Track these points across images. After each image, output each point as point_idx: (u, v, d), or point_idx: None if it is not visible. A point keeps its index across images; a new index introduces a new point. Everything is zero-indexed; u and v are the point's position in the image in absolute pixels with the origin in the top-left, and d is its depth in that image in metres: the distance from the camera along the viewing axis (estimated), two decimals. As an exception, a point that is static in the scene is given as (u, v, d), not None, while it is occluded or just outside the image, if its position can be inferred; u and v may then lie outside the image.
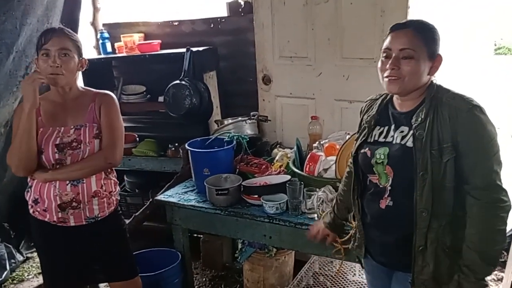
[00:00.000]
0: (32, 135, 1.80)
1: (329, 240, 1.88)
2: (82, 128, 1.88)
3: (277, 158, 2.58)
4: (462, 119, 1.33)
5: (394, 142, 1.45)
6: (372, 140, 1.53)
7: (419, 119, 1.38)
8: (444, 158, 1.34)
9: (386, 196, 1.47)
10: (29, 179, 1.93)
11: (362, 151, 1.54)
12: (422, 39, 1.37)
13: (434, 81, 1.45)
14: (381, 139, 1.50)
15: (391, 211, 1.47)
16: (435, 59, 1.41)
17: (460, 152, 1.34)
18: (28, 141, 1.79)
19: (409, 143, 1.40)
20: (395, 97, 1.51)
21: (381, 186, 1.49)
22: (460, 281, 1.39)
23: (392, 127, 1.49)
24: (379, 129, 1.53)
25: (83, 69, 1.94)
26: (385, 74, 1.40)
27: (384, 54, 1.42)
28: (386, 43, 1.42)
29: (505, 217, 1.35)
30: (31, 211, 1.94)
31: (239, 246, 2.85)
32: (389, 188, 1.46)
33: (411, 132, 1.40)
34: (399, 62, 1.37)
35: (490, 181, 1.34)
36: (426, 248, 1.41)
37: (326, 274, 2.81)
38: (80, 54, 1.88)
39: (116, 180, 2.04)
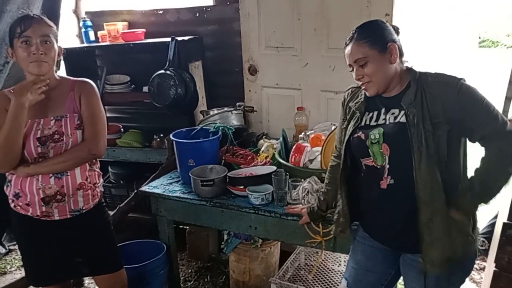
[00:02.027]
0: (22, 132, 1.75)
1: (300, 221, 1.98)
2: (62, 119, 1.83)
3: (263, 149, 2.57)
4: (454, 92, 1.42)
5: (387, 123, 1.53)
6: (363, 125, 1.60)
7: (409, 99, 1.48)
8: (437, 132, 1.43)
9: (386, 175, 1.53)
10: (7, 173, 1.87)
11: (356, 135, 1.60)
12: (365, 44, 1.49)
13: (410, 66, 1.55)
14: (373, 123, 1.57)
15: (394, 189, 1.53)
16: (388, 50, 1.49)
17: (463, 121, 1.43)
18: (18, 138, 1.74)
19: (402, 119, 1.48)
20: None
21: (378, 166, 1.54)
22: (456, 199, 1.47)
23: (383, 110, 1.56)
24: (368, 115, 1.60)
25: (60, 57, 1.89)
26: (359, 84, 1.56)
27: (350, 69, 1.56)
28: (346, 60, 1.55)
29: None
30: (12, 205, 1.88)
31: (225, 237, 2.85)
32: (387, 166, 1.52)
33: (403, 111, 1.49)
34: (360, 71, 1.51)
35: (502, 130, 1.42)
36: (432, 222, 1.46)
37: (311, 265, 2.82)
38: (57, 41, 1.82)
39: (100, 171, 2.01)
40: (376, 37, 1.49)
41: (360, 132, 1.58)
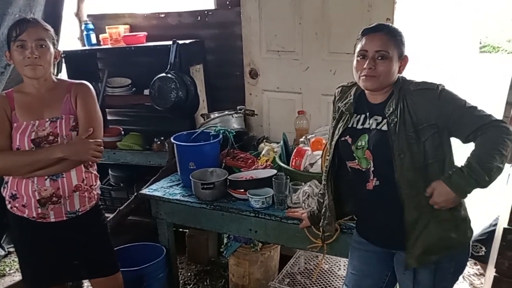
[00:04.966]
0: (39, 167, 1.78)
1: (301, 224, 1.99)
2: (58, 120, 1.83)
3: (263, 152, 2.57)
4: (435, 97, 1.47)
5: (370, 128, 1.57)
6: (351, 127, 1.64)
7: (391, 109, 1.52)
8: (422, 138, 1.48)
9: (371, 178, 1.58)
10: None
11: (343, 138, 1.64)
12: (393, 42, 1.52)
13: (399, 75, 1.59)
14: (359, 126, 1.62)
15: (381, 189, 1.57)
16: (403, 59, 1.56)
17: (449, 123, 1.47)
18: (32, 169, 1.77)
19: (384, 127, 1.54)
20: (367, 91, 1.61)
21: (363, 169, 1.59)
22: (451, 174, 1.46)
23: (368, 114, 1.60)
24: (356, 117, 1.64)
25: (57, 60, 1.91)
26: (363, 73, 1.53)
27: (360, 55, 1.54)
28: (362, 45, 1.54)
29: (509, 145, 1.40)
30: (8, 206, 1.88)
31: (225, 240, 2.84)
32: (372, 169, 1.57)
33: (385, 120, 1.54)
34: (375, 62, 1.51)
35: (490, 120, 1.44)
36: (418, 220, 1.50)
37: (311, 269, 2.82)
38: (54, 44, 1.83)
39: (97, 173, 2.00)
40: (401, 42, 1.54)
41: (347, 136, 1.63)
